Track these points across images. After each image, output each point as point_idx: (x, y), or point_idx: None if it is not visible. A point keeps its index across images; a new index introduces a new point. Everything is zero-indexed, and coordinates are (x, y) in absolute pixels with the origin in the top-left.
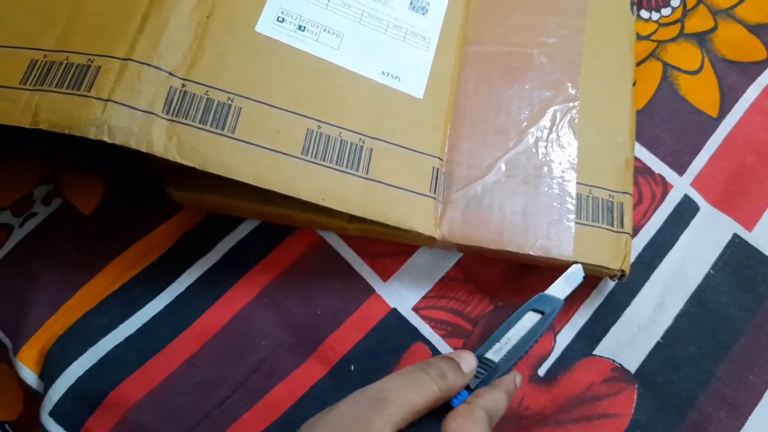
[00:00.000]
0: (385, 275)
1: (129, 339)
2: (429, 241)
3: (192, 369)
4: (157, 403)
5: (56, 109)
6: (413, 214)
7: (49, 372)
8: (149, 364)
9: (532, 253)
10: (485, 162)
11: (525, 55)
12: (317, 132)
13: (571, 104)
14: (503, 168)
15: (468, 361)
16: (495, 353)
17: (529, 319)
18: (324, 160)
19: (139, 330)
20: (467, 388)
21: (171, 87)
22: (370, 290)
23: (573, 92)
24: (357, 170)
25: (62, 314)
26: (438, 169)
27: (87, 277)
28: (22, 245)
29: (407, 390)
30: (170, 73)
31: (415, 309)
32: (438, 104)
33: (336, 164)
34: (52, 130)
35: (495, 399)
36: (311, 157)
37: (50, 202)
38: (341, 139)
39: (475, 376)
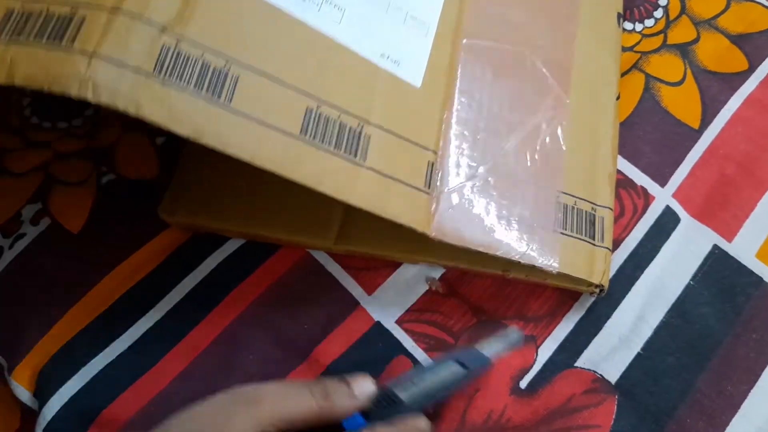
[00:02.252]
0: (370, 288)
1: (120, 356)
2: (413, 259)
3: (183, 385)
4: (150, 419)
5: (35, 63)
6: (408, 209)
7: (43, 391)
8: (141, 381)
9: (519, 260)
10: (476, 162)
11: (519, 55)
12: (317, 111)
13: (561, 111)
14: (493, 170)
15: (362, 386)
16: (405, 391)
17: (451, 370)
18: (323, 143)
19: (130, 347)
20: (366, 415)
21: (164, 45)
22: (355, 303)
23: (563, 99)
24: (355, 157)
25: (55, 334)
26: (432, 163)
27: (78, 296)
28: (13, 266)
29: (283, 397)
30: (163, 29)
31: (399, 322)
32: (435, 95)
33: (335, 148)
34: (30, 87)
35: None
36: (310, 137)
37: (38, 222)
38: (340, 122)
39: (378, 407)
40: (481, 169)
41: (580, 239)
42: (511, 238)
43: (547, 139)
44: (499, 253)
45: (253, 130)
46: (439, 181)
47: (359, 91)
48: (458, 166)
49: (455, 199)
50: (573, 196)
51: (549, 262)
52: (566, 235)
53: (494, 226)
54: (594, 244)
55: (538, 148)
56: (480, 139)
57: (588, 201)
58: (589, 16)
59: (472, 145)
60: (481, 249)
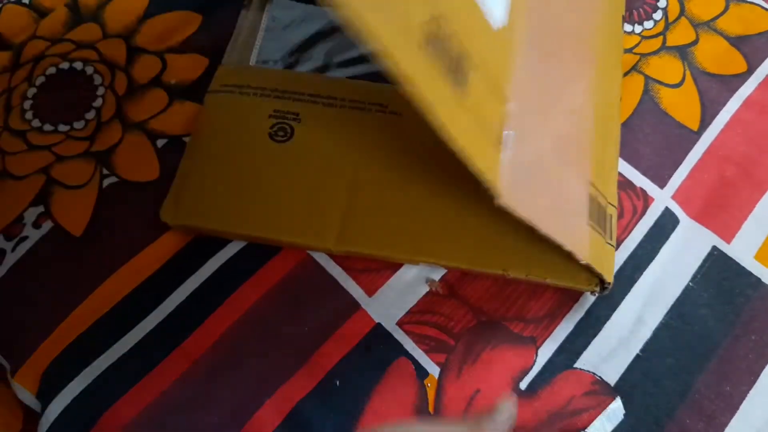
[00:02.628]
0: (371, 290)
1: (122, 358)
2: (414, 260)
3: (184, 387)
4: (152, 420)
5: None
6: (482, 157)
7: (45, 393)
8: (143, 382)
9: (561, 243)
10: (533, 132)
11: (561, 35)
12: (435, 24)
13: (588, 100)
14: (545, 148)
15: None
16: None
17: None
18: (438, 60)
19: (131, 349)
20: None
21: None
22: (356, 305)
23: (589, 91)
24: (459, 87)
25: (57, 336)
26: (503, 119)
27: (80, 299)
28: (16, 269)
29: None
30: None
31: (399, 324)
32: (510, 45)
33: (446, 71)
34: None
35: None
36: (431, 52)
37: (40, 225)
38: (450, 43)
39: None
40: (538, 141)
41: (599, 233)
42: (557, 221)
43: (582, 127)
44: (549, 232)
45: (385, 21)
46: (507, 142)
47: (462, 18)
48: (521, 130)
49: (518, 166)
50: (596, 188)
51: (578, 250)
52: (591, 226)
53: (544, 204)
54: (606, 240)
55: (576, 134)
56: (533, 116)
57: (603, 196)
58: (602, 15)
59: (530, 113)
60: (533, 225)
